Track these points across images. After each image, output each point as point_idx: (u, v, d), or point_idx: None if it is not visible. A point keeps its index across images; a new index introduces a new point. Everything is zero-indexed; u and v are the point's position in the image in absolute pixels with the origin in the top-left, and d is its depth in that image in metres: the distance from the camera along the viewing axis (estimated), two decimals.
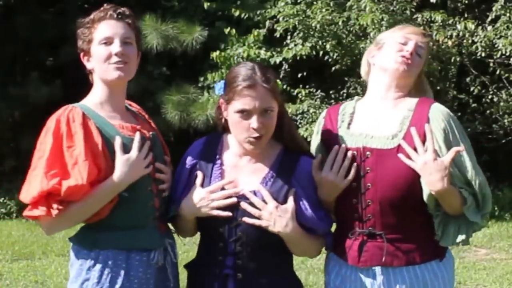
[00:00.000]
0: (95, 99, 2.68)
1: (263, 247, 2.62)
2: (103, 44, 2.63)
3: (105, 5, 2.69)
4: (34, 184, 2.50)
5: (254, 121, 2.56)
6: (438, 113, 2.59)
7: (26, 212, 2.55)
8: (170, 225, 2.80)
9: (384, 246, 2.57)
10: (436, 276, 2.62)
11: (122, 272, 2.60)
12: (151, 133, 2.73)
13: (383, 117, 2.65)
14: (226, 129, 2.72)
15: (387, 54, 2.69)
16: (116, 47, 2.61)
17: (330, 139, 2.70)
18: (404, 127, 2.59)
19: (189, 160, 2.73)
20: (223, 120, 2.69)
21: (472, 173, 2.55)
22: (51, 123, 2.58)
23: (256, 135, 2.57)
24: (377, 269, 2.60)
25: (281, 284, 2.68)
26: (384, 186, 2.56)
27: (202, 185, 2.66)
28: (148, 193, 2.66)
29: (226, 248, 2.62)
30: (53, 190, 2.47)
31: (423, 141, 2.53)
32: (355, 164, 2.59)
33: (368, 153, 2.57)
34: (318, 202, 2.66)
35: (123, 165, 2.54)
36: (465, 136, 2.61)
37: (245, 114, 2.56)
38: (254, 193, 2.61)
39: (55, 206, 2.48)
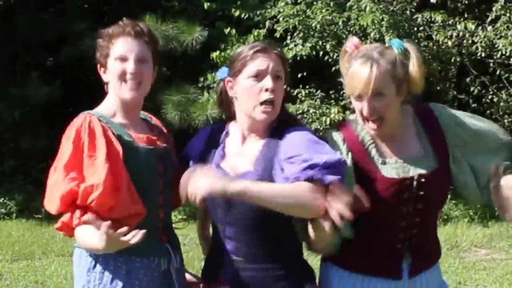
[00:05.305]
0: (109, 108, 2.71)
1: (258, 229, 2.56)
2: (119, 60, 2.65)
3: (124, 19, 2.72)
4: (56, 191, 2.51)
5: (268, 81, 2.51)
6: (446, 119, 2.62)
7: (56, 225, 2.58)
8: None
9: (428, 253, 2.68)
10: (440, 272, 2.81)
11: (123, 274, 2.58)
12: (164, 145, 2.75)
13: (399, 140, 2.62)
14: (231, 117, 2.72)
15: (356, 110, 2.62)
16: (130, 66, 2.64)
17: (365, 170, 2.56)
18: (427, 145, 2.59)
19: (198, 145, 2.74)
20: (230, 100, 2.65)
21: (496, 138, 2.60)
22: (71, 132, 2.59)
23: (271, 96, 2.51)
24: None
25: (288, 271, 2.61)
26: (434, 205, 2.63)
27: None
28: (155, 204, 2.66)
29: (224, 231, 2.61)
30: (72, 193, 2.48)
31: (444, 150, 2.58)
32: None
33: (423, 180, 2.56)
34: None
35: (100, 239, 2.39)
36: (474, 120, 2.65)
37: (259, 77, 2.53)
38: (246, 174, 2.55)
39: (77, 214, 2.49)
